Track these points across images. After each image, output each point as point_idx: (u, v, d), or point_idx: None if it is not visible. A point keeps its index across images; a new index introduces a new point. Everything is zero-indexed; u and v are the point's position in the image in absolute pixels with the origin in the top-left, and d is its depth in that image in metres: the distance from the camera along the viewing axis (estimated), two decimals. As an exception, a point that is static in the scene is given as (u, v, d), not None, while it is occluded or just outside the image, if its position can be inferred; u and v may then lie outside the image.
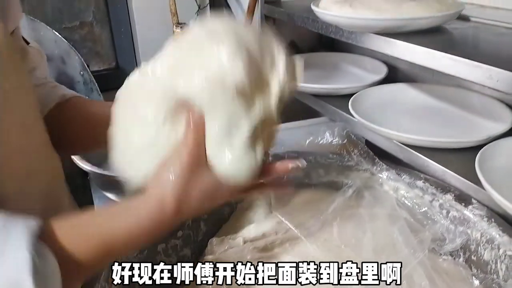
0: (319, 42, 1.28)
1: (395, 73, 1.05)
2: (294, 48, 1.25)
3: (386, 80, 1.00)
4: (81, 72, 1.31)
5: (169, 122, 0.45)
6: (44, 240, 0.34)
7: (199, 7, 1.56)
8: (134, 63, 1.67)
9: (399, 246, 0.59)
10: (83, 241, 0.38)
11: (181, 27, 1.42)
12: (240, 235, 0.66)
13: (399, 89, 0.95)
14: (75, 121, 0.60)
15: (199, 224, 0.73)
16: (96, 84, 1.32)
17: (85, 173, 0.99)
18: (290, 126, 1.05)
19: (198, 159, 0.44)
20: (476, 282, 0.58)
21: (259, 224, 0.68)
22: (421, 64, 0.68)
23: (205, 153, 0.45)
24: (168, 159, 0.44)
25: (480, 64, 0.59)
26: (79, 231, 0.39)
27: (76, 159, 0.97)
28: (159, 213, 0.42)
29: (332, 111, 0.93)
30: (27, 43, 0.59)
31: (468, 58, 0.60)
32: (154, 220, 0.42)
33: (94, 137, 0.58)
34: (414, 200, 0.69)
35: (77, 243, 0.37)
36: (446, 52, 0.64)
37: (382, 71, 1.02)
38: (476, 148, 0.69)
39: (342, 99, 0.93)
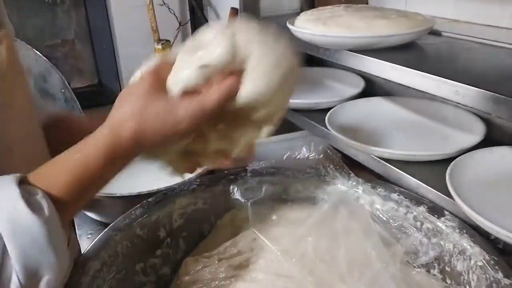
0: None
1: (372, 87, 1.07)
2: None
3: (364, 93, 1.02)
4: (62, 90, 1.31)
5: None
6: (28, 182, 0.40)
7: (180, 24, 1.58)
8: (116, 80, 1.67)
9: (372, 260, 0.60)
10: (58, 176, 0.42)
11: (162, 44, 1.44)
12: (215, 253, 0.66)
13: (375, 102, 0.97)
14: (63, 141, 0.61)
15: (178, 242, 0.73)
16: (77, 102, 1.32)
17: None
18: (270, 140, 1.06)
19: (154, 85, 0.45)
20: (448, 294, 0.59)
21: (235, 241, 0.68)
22: (393, 80, 0.70)
23: (164, 82, 0.47)
24: (127, 90, 0.47)
25: (447, 80, 0.61)
26: (53, 169, 0.43)
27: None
28: (113, 136, 0.44)
29: (311, 126, 0.95)
30: None
31: (436, 74, 0.62)
32: (111, 144, 0.44)
33: None
34: (389, 214, 0.70)
35: (54, 180, 0.42)
36: (415, 68, 0.66)
37: (359, 85, 1.04)
38: (449, 160, 0.71)
39: (320, 113, 0.95)
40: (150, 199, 0.71)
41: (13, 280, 0.36)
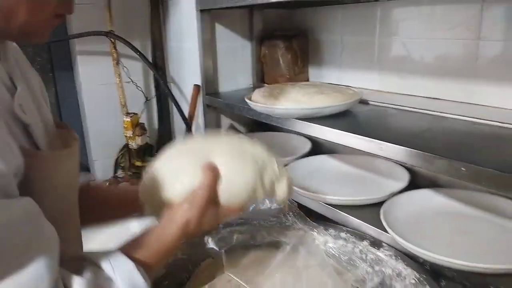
0: (255, 124, 1.48)
1: (319, 146, 1.26)
2: (234, 130, 1.45)
3: (312, 152, 1.21)
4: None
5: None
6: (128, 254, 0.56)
7: (146, 99, 1.73)
8: (85, 153, 1.76)
9: (329, 287, 0.73)
10: (149, 251, 0.58)
11: (131, 117, 1.57)
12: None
13: (320, 160, 1.16)
14: (89, 205, 0.72)
15: (161, 290, 0.83)
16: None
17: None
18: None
19: (212, 197, 0.63)
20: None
21: (211, 285, 0.79)
22: (332, 141, 0.88)
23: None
24: (191, 194, 0.63)
25: (373, 139, 0.79)
26: (145, 245, 0.59)
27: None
28: (184, 229, 0.61)
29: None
30: None
31: (365, 135, 0.81)
32: (181, 233, 0.62)
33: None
34: (340, 250, 0.85)
35: (146, 253, 0.58)
36: (349, 131, 0.84)
37: (307, 146, 1.22)
38: (383, 202, 0.88)
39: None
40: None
41: None
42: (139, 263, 0.55)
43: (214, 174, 0.63)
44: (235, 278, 0.81)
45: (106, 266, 0.53)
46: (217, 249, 0.87)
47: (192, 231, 0.62)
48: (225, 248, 0.87)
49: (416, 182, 1.00)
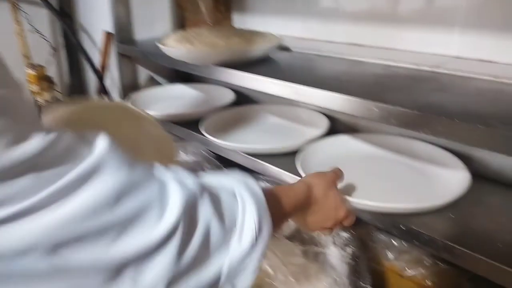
0: (176, 75, 1.39)
1: (242, 97, 1.21)
2: (153, 82, 1.35)
3: (235, 103, 1.16)
4: None
5: None
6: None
7: (54, 49, 1.56)
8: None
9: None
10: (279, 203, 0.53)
11: (36, 70, 1.41)
12: None
13: (244, 110, 1.11)
14: None
15: None
16: None
17: None
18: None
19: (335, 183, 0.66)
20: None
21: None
22: (251, 88, 0.83)
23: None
24: (319, 172, 0.66)
25: (290, 84, 0.76)
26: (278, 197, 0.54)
27: None
28: (307, 194, 0.59)
29: (188, 134, 1.04)
30: None
31: (281, 79, 0.77)
32: (304, 197, 0.59)
33: None
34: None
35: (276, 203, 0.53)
36: (266, 76, 0.80)
37: (229, 96, 1.17)
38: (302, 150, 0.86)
39: (195, 124, 1.05)
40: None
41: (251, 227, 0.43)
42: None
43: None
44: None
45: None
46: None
47: (315, 201, 0.60)
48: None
49: (336, 129, 0.99)
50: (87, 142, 0.36)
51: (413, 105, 0.61)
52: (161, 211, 0.36)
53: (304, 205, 0.59)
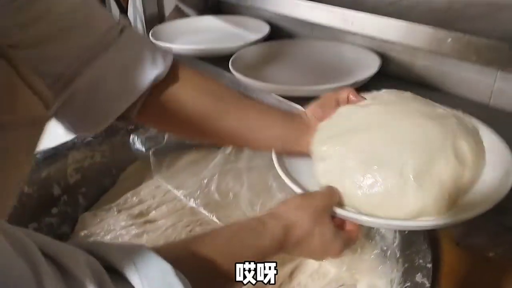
0: (205, 6, 1.25)
1: (278, 32, 1.06)
2: (179, 13, 1.22)
3: (270, 38, 1.01)
4: None
5: None
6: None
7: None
8: None
9: (273, 191, 0.60)
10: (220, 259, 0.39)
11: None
12: (114, 205, 0.63)
13: (281, 45, 0.97)
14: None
15: (77, 198, 0.69)
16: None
17: None
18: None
19: (326, 209, 0.46)
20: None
21: (136, 191, 0.65)
22: (290, 16, 0.69)
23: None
24: (304, 198, 0.47)
25: (337, 8, 0.61)
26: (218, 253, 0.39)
27: None
28: (282, 239, 0.43)
29: (217, 72, 0.92)
30: None
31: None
32: (275, 246, 0.43)
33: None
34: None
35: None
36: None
37: (264, 30, 1.02)
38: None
39: (224, 59, 0.92)
40: (37, 155, 0.65)
41: None
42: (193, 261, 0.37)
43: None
44: (164, 183, 0.67)
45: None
46: (144, 150, 0.72)
47: (297, 244, 0.45)
48: (154, 148, 0.72)
49: (388, 71, 0.84)
50: None
51: (501, 36, 0.46)
52: None
53: (278, 250, 0.44)
